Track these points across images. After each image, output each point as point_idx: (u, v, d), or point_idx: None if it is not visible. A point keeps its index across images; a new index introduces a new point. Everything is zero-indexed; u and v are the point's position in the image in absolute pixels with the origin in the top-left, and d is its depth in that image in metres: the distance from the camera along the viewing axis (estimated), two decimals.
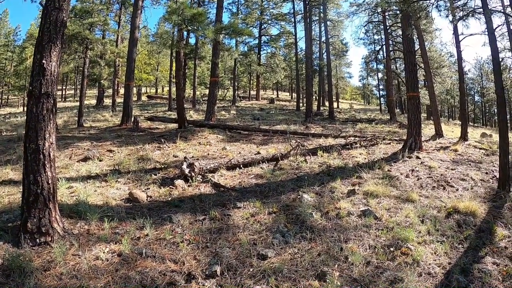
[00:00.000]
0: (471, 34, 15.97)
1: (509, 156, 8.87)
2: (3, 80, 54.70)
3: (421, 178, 9.51)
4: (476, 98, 65.32)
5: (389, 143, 14.74)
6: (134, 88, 37.71)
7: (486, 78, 57.96)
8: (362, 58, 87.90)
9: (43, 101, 5.41)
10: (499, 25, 13.80)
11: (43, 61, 5.43)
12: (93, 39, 21.37)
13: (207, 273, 4.77)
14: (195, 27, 15.64)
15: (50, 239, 5.31)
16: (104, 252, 5.14)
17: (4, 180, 8.98)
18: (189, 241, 5.69)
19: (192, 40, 29.66)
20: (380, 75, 47.88)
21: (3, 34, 58.70)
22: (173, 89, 29.32)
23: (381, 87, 51.61)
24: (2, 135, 16.85)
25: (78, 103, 22.89)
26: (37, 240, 5.23)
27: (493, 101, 54.18)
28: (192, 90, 37.12)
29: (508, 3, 13.41)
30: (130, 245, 5.34)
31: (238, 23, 22.27)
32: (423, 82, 30.71)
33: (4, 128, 19.62)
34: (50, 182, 5.49)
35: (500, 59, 9.47)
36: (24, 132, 5.59)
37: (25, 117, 5.57)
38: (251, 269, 4.90)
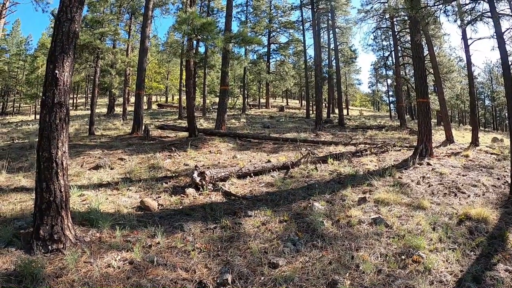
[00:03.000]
0: (479, 38, 15.93)
1: None
2: (15, 88, 55.51)
3: (432, 185, 9.45)
4: (487, 102, 64.98)
5: (400, 150, 14.68)
6: (145, 97, 38.00)
7: (496, 82, 57.75)
8: (371, 65, 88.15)
9: (56, 110, 5.47)
10: (508, 29, 13.76)
11: (56, 71, 5.49)
12: (104, 49, 21.65)
13: (218, 281, 4.77)
14: (205, 37, 15.77)
15: (62, 246, 5.35)
16: (115, 260, 5.16)
17: (16, 187, 9.06)
18: (200, 249, 5.70)
19: (201, 49, 29.91)
20: (389, 81, 47.89)
21: (15, 43, 59.66)
22: (183, 97, 29.47)
23: (390, 93, 51.51)
24: (15, 143, 17.03)
25: (89, 112, 23.10)
26: (49, 247, 5.27)
27: (503, 105, 53.80)
28: (202, 99, 37.35)
29: None
30: (141, 253, 5.36)
31: (247, 31, 22.48)
32: (432, 88, 30.60)
33: (16, 136, 19.85)
34: (62, 190, 5.54)
35: (510, 63, 9.38)
36: (36, 139, 5.68)
37: (37, 125, 5.67)
38: (262, 278, 4.90)
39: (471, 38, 16.59)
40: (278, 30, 45.50)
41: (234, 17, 42.19)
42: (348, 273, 5.04)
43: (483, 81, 62.67)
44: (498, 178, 10.17)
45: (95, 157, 12.81)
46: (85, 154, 13.38)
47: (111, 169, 11.28)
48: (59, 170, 5.50)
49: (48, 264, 4.92)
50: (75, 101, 56.22)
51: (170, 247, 5.75)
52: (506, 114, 49.96)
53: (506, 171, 10.69)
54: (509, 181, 9.09)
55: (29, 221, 6.24)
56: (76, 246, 5.47)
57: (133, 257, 5.22)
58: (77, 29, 5.83)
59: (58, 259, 5.05)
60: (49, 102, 5.46)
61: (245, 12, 44.57)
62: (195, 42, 20.12)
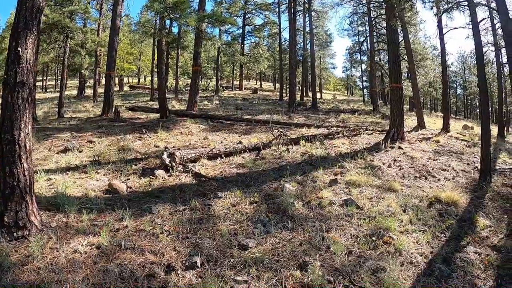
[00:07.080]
0: (455, 28, 16.15)
1: (490, 148, 8.97)
2: None
3: (403, 168, 9.56)
4: (459, 91, 66.31)
5: (372, 134, 14.82)
6: (116, 78, 37.27)
7: (469, 71, 58.83)
8: (346, 49, 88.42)
9: (18, 90, 5.24)
10: (483, 19, 13.97)
11: (18, 49, 5.25)
12: (74, 28, 21.01)
13: (187, 264, 4.71)
14: (177, 15, 15.47)
15: (27, 232, 5.18)
16: (82, 245, 5.03)
17: None
18: (169, 232, 5.63)
19: (175, 29, 29.21)
20: (363, 66, 47.87)
21: None
22: (156, 79, 28.95)
23: (364, 78, 51.57)
24: None
25: (58, 94, 22.44)
26: (14, 234, 5.09)
27: (475, 94, 55.14)
28: (174, 80, 36.80)
29: None
30: (109, 237, 5.26)
31: (222, 12, 22.11)
32: (406, 74, 30.92)
33: None
34: (26, 174, 5.34)
35: (483, 53, 9.56)
36: None
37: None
38: (231, 260, 4.86)
39: (446, 26, 16.82)
40: (253, 11, 45.08)
41: None
42: (318, 254, 5.05)
43: (456, 70, 63.69)
44: (468, 164, 10.39)
45: (64, 140, 12.49)
46: (53, 137, 13.04)
47: (80, 152, 11.01)
48: (22, 153, 5.28)
49: (14, 252, 4.77)
50: (44, 84, 54.50)
51: (138, 230, 5.66)
52: (477, 103, 51.24)
53: (476, 157, 10.93)
54: (479, 167, 9.28)
55: None
56: (42, 232, 5.32)
57: (100, 242, 5.11)
58: (41, 4, 5.56)
59: (24, 246, 4.91)
60: (11, 81, 5.23)
61: None
62: (168, 21, 19.68)
